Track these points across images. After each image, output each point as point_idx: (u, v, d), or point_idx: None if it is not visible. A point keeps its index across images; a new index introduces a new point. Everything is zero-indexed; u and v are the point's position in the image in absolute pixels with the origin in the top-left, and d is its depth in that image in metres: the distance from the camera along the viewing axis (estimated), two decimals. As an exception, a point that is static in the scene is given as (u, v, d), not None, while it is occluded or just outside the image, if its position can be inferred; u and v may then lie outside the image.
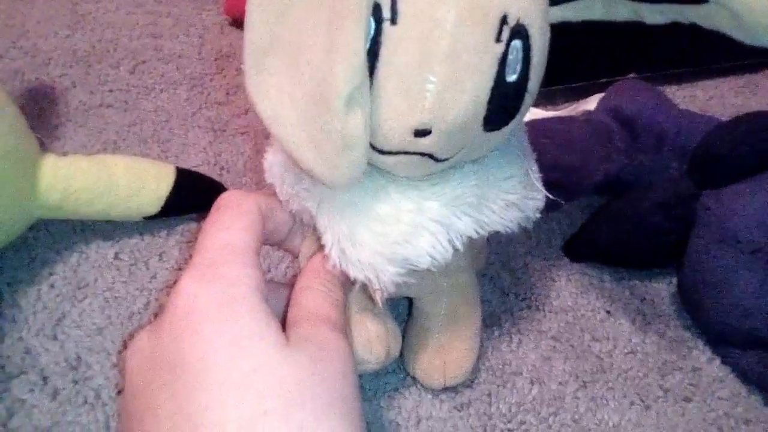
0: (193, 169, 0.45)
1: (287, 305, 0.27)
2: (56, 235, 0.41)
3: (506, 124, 0.21)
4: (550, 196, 0.28)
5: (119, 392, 0.33)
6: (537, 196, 0.28)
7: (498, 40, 0.19)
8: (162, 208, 0.41)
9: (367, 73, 0.19)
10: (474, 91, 0.19)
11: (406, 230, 0.25)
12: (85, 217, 0.40)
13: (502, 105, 0.20)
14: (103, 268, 0.40)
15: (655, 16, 0.20)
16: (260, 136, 0.51)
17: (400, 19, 0.19)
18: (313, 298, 0.26)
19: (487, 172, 0.26)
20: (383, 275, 0.26)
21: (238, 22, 0.64)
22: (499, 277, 0.42)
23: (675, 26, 0.21)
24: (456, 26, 0.19)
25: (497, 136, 0.22)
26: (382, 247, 0.25)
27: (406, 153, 0.22)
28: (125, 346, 0.36)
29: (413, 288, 0.27)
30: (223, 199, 0.26)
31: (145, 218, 0.41)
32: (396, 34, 0.19)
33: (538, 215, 0.29)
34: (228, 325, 0.21)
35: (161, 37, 0.62)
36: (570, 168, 0.38)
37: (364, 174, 0.22)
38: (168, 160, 0.47)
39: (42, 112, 0.52)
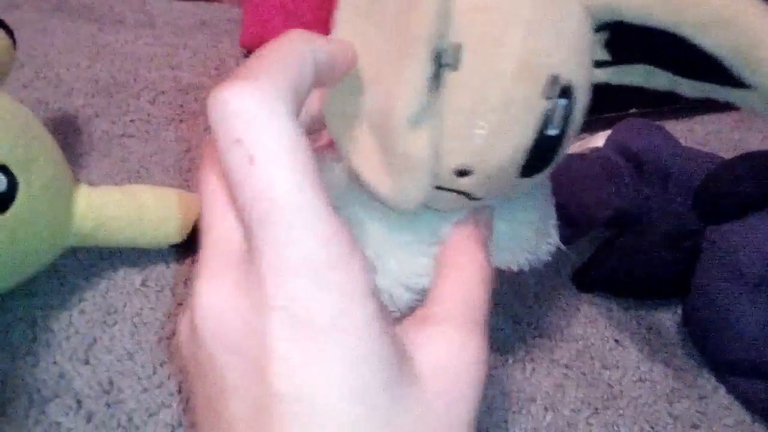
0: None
1: None
2: (85, 262, 0.42)
3: (540, 172, 0.23)
4: (562, 246, 0.30)
5: (150, 416, 0.35)
6: (550, 241, 0.30)
7: (547, 97, 0.21)
8: (188, 236, 0.42)
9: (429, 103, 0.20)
10: (518, 140, 0.21)
11: (428, 263, 0.26)
12: (114, 244, 0.41)
13: (539, 155, 0.22)
14: (131, 294, 0.41)
15: (690, 90, 0.22)
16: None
17: (462, 66, 0.21)
18: (464, 284, 0.22)
19: (510, 213, 0.28)
20: (399, 301, 0.27)
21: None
22: (511, 306, 0.44)
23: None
24: (511, 80, 0.21)
25: (529, 182, 0.24)
26: (403, 277, 0.26)
27: (446, 189, 0.23)
28: (155, 371, 0.37)
29: None
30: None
31: (171, 246, 0.43)
32: (456, 81, 0.21)
33: (549, 258, 0.30)
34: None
35: (179, 69, 0.64)
36: (584, 204, 0.40)
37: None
38: (190, 189, 0.49)
39: (66, 142, 0.53)
